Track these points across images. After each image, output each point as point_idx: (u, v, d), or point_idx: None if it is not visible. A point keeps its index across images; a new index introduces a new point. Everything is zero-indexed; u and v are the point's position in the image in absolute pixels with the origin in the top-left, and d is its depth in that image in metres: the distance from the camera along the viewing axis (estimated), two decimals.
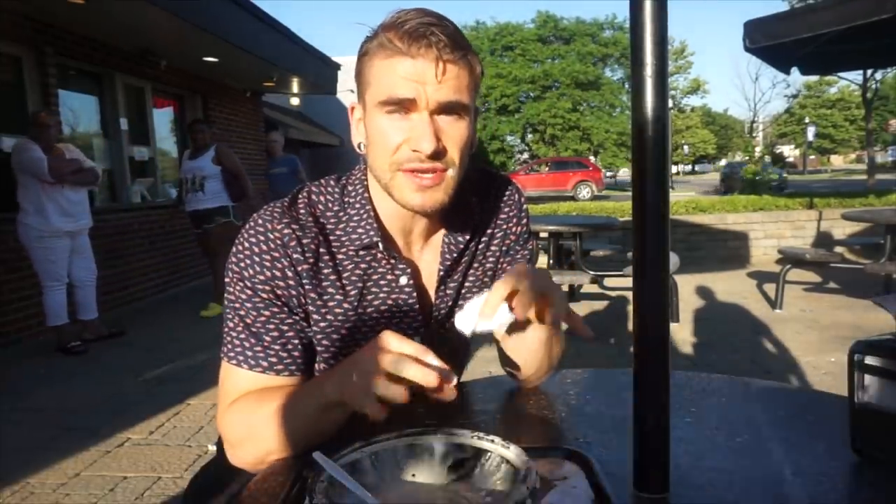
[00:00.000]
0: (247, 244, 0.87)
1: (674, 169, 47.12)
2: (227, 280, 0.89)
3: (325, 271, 0.89)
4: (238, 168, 5.31)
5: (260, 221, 0.88)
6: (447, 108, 0.81)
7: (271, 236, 0.86)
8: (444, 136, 0.82)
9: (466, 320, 0.79)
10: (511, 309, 0.77)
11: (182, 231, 6.51)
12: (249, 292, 0.86)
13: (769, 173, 15.00)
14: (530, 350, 0.92)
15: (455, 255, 0.96)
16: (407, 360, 0.67)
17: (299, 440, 0.78)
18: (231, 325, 0.88)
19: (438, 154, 0.81)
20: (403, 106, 0.81)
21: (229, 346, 0.87)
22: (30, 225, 4.04)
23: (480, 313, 0.77)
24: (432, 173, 0.83)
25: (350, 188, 0.93)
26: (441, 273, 0.96)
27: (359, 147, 0.91)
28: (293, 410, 0.78)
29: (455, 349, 1.07)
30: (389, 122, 0.82)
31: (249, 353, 0.86)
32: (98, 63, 5.84)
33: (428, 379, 0.66)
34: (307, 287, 0.88)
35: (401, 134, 0.82)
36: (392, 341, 0.70)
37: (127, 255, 5.93)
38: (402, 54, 0.79)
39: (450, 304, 0.99)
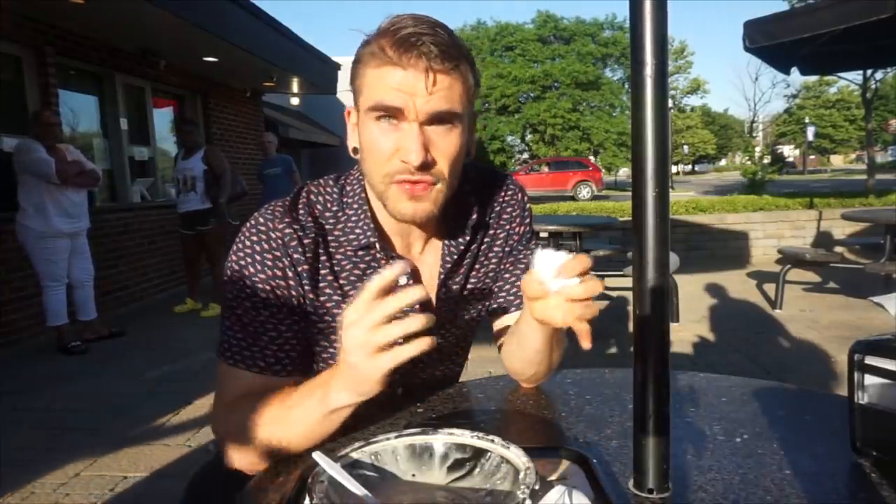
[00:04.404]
0: (248, 243, 0.87)
1: (674, 169, 47.07)
2: (225, 279, 0.88)
3: (324, 272, 0.89)
4: (222, 170, 5.26)
5: (262, 221, 0.87)
6: (437, 119, 0.80)
7: (273, 235, 0.86)
8: (433, 147, 0.81)
9: (547, 265, 0.73)
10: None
11: None
12: (248, 291, 0.86)
13: (770, 171, 14.97)
14: (532, 350, 0.92)
15: (456, 256, 0.96)
16: (384, 326, 0.66)
17: (301, 443, 0.78)
18: (228, 323, 0.87)
19: (427, 165, 0.81)
20: (392, 114, 0.80)
21: (226, 346, 0.87)
22: (29, 226, 4.03)
23: (561, 271, 0.72)
24: (421, 184, 0.82)
25: (348, 188, 0.93)
26: (442, 275, 0.95)
27: (353, 152, 0.90)
28: (295, 416, 0.77)
29: (455, 351, 1.07)
30: (379, 131, 0.81)
31: (247, 353, 0.86)
32: (98, 63, 5.84)
33: (413, 326, 0.66)
34: (306, 287, 0.88)
35: (391, 143, 0.81)
36: (352, 309, 0.67)
37: (127, 255, 5.93)
38: (392, 64, 0.78)
39: (452, 306, 0.99)
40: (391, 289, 0.67)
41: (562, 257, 0.72)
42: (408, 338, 0.67)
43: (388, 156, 0.81)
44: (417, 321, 0.66)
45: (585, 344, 0.73)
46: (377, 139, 0.82)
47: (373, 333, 0.66)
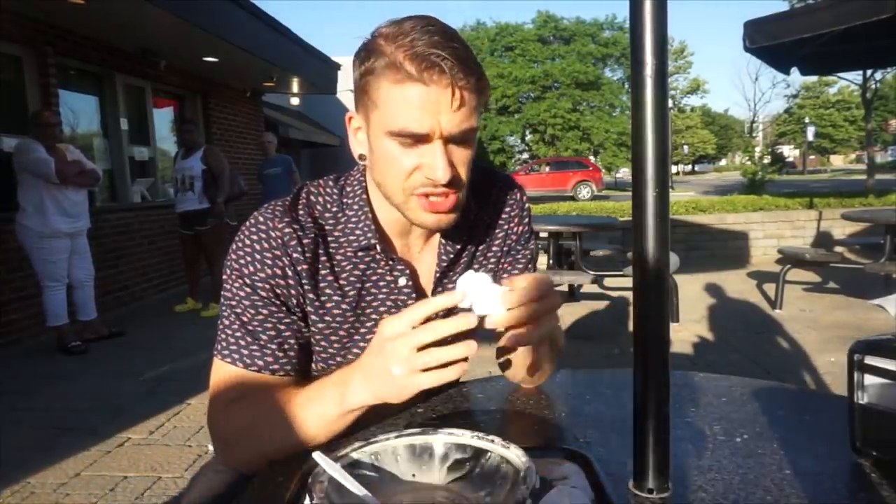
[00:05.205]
0: (248, 241, 0.87)
1: (674, 169, 47.07)
2: (224, 277, 0.88)
3: (323, 272, 0.89)
4: (220, 170, 5.25)
5: (261, 220, 0.87)
6: (460, 137, 0.80)
7: (273, 234, 0.86)
8: (455, 160, 0.81)
9: (471, 289, 0.73)
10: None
11: None
12: (248, 290, 0.86)
13: (770, 171, 14.97)
14: (529, 351, 0.91)
15: (452, 255, 0.96)
16: (426, 328, 0.69)
17: (307, 443, 0.78)
18: (227, 322, 0.87)
19: (451, 181, 0.80)
20: (417, 138, 0.79)
21: (224, 344, 0.87)
22: (29, 226, 4.03)
23: (499, 303, 0.73)
24: (445, 197, 0.82)
25: (348, 189, 0.93)
26: (438, 274, 0.95)
27: (359, 158, 0.89)
28: (306, 415, 0.77)
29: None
30: (401, 150, 0.80)
31: (245, 352, 0.86)
32: (98, 63, 5.84)
33: (458, 325, 0.69)
34: (306, 287, 0.88)
35: (413, 160, 0.80)
36: (398, 322, 0.71)
37: (127, 255, 5.93)
38: (413, 80, 0.75)
39: None
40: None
41: (485, 282, 0.73)
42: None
43: (410, 171, 0.80)
44: (463, 349, 0.68)
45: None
46: (398, 157, 0.80)
47: (419, 353, 0.69)
